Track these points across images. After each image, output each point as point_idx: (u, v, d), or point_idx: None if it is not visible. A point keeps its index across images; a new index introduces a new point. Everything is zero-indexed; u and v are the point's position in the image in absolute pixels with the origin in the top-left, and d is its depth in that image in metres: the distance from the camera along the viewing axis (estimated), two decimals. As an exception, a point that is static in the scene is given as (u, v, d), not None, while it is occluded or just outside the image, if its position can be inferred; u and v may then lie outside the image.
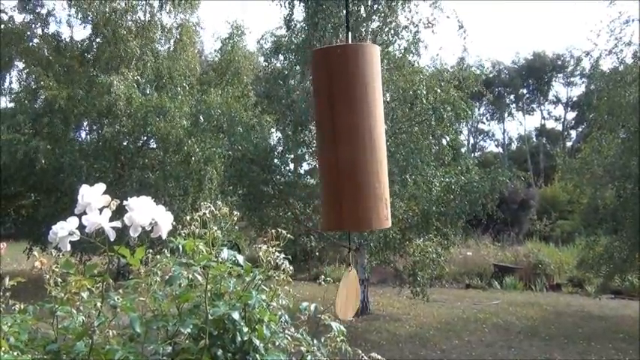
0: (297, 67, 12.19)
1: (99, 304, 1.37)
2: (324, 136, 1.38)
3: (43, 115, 13.39)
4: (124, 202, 1.26)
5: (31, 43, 14.64)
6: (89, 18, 14.17)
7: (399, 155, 10.52)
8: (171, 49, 15.14)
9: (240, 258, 1.51)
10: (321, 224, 1.60)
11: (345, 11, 12.18)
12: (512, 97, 44.22)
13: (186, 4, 15.03)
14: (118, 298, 1.42)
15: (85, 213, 1.24)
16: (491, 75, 41.57)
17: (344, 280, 1.51)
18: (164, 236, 1.32)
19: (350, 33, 1.45)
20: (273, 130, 13.47)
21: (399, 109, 11.29)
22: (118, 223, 1.23)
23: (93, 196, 1.24)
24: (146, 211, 1.26)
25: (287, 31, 12.25)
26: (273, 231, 1.56)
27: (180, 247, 1.44)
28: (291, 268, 1.56)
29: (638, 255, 11.55)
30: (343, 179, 1.33)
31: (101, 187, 1.26)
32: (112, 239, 1.23)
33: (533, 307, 12.57)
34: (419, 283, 11.23)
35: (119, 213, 1.28)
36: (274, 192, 12.02)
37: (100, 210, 1.24)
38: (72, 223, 1.25)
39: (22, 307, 1.47)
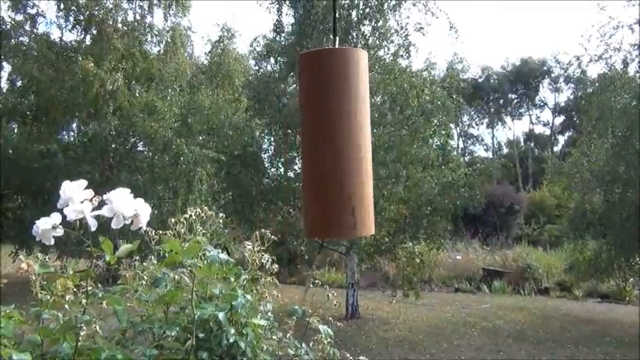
0: (287, 71, 12.19)
1: (84, 302, 1.36)
2: (301, 141, 1.34)
3: (30, 115, 13.25)
4: (104, 196, 1.26)
5: (20, 39, 14.53)
6: (71, 16, 14.06)
7: (388, 158, 10.52)
8: (161, 51, 15.05)
9: (225, 257, 1.50)
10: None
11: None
12: (501, 102, 44.53)
13: (178, 6, 14.96)
14: (104, 294, 1.40)
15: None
16: (480, 80, 41.87)
17: None
18: (144, 227, 1.32)
19: (337, 37, 1.40)
20: (264, 133, 13.41)
21: (390, 113, 11.32)
22: (99, 213, 1.23)
23: (74, 190, 1.24)
24: (128, 202, 1.26)
25: (276, 36, 12.26)
26: (257, 232, 1.56)
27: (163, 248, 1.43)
28: (276, 266, 1.56)
29: (625, 259, 11.65)
30: (309, 186, 1.28)
31: (83, 182, 1.26)
32: (93, 229, 1.22)
33: (521, 310, 12.63)
34: (409, 284, 11.25)
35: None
36: (264, 195, 11.98)
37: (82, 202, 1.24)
38: (55, 217, 1.24)
39: (8, 311, 1.45)
